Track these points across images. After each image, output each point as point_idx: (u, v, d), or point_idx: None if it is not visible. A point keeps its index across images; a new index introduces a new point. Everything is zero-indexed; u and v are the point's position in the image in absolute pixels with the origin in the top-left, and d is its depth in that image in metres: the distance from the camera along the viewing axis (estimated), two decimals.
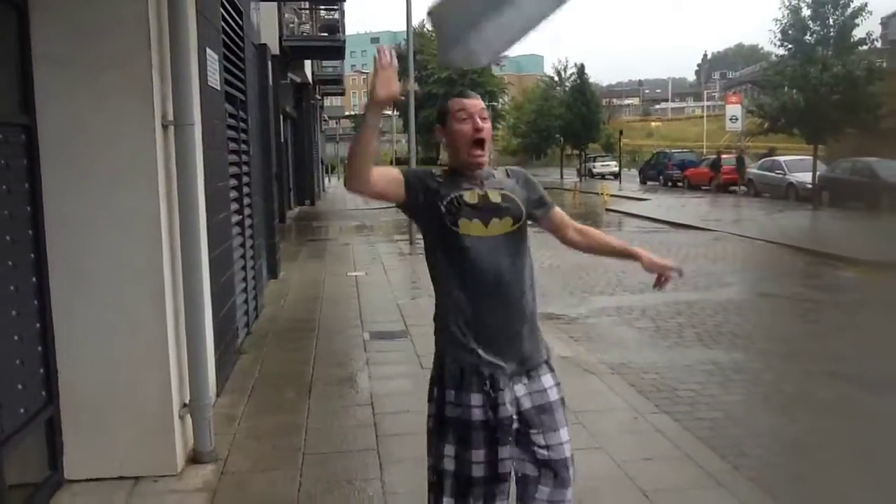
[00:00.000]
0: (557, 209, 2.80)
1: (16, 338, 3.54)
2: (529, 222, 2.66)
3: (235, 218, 6.83)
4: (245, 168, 7.56)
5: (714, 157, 31.17)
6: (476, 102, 2.61)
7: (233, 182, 6.74)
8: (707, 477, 4.11)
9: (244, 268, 7.28)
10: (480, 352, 2.50)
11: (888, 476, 4.41)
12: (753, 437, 5.04)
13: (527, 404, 2.54)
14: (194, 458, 4.31)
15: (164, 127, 4.08)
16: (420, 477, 4.17)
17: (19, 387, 3.54)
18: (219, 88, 5.98)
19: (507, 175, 2.69)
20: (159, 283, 3.99)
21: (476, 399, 2.49)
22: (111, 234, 3.92)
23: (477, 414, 2.49)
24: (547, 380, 2.60)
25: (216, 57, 5.85)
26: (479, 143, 2.56)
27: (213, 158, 5.48)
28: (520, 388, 2.54)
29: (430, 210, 2.54)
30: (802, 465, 4.61)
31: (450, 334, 2.56)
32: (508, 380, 2.52)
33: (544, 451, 2.53)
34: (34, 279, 3.77)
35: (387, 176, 2.56)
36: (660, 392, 5.91)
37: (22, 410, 3.56)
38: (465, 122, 2.57)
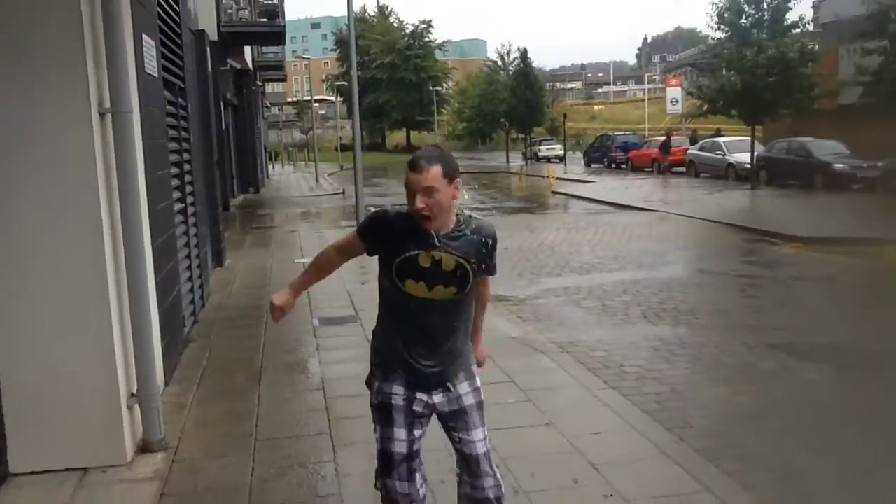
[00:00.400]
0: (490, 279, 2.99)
1: None
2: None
3: (178, 206, 6.72)
4: (186, 156, 7.43)
5: (664, 138, 31.59)
6: (419, 179, 2.63)
7: (174, 170, 6.62)
8: (654, 448, 4.23)
9: (188, 256, 7.18)
10: (408, 358, 2.80)
11: (827, 440, 4.60)
12: (698, 409, 5.19)
13: (444, 409, 2.84)
14: (144, 448, 4.27)
15: (101, 115, 3.99)
16: (371, 460, 4.21)
17: None
18: (156, 75, 5.87)
19: (475, 233, 2.78)
20: (102, 274, 3.92)
21: (398, 388, 2.81)
22: (49, 229, 3.84)
23: (398, 400, 2.81)
24: (463, 387, 2.85)
25: (153, 43, 5.73)
26: (425, 218, 2.67)
27: (152, 147, 5.38)
28: (438, 397, 2.83)
29: (386, 257, 2.79)
30: (746, 433, 4.76)
31: (385, 336, 2.89)
32: (427, 393, 2.82)
33: (459, 445, 2.86)
34: None
35: (349, 251, 2.98)
36: (607, 369, 6.03)
37: None
38: (412, 197, 2.66)
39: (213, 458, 4.21)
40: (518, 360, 5.91)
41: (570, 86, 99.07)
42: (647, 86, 70.88)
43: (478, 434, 2.84)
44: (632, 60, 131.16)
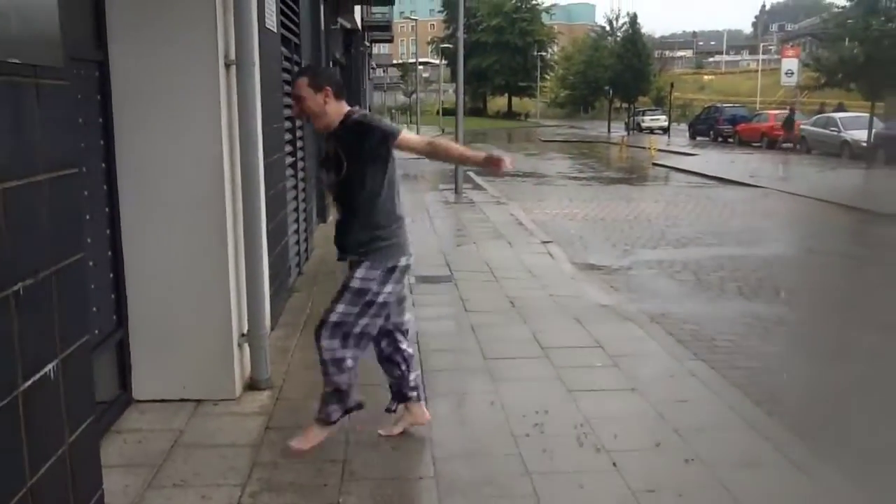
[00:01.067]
0: (404, 136, 3.52)
1: (90, 263, 3.79)
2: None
3: (289, 160, 7.02)
4: None
5: (787, 112, 30.05)
6: (292, 91, 3.59)
7: (287, 124, 6.91)
8: (740, 420, 4.24)
9: (296, 209, 7.50)
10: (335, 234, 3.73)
11: None
12: (791, 386, 5.14)
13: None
14: (251, 385, 4.57)
15: (227, 66, 4.23)
16: (461, 410, 4.40)
17: (94, 310, 3.80)
18: (275, 31, 6.12)
19: (350, 126, 3.52)
20: (221, 216, 4.20)
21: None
22: (178, 168, 4.13)
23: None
24: (359, 272, 3.56)
25: None
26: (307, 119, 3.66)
27: (269, 100, 5.64)
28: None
29: None
30: (840, 412, 4.70)
31: None
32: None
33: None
34: (106, 209, 4.01)
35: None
36: (698, 341, 6.02)
37: (96, 332, 3.82)
38: None
39: (314, 399, 4.44)
40: (607, 327, 5.97)
41: (679, 54, 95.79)
42: (761, 56, 67.83)
43: (338, 307, 3.56)
44: (747, 29, 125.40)
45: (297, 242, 7.60)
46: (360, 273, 3.56)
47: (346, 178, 3.50)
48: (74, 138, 2.60)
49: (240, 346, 4.48)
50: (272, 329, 5.65)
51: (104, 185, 3.98)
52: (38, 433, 1.97)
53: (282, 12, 6.60)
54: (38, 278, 2.01)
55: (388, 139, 3.46)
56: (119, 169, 4.06)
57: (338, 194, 3.61)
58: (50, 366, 2.04)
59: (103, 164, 3.98)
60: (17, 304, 1.88)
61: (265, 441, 3.89)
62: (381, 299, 3.60)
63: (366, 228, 3.55)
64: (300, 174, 7.84)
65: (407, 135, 3.56)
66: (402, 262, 3.63)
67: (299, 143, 7.73)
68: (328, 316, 3.57)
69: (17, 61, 1.92)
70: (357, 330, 3.61)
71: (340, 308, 3.56)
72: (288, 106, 6.94)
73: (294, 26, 7.47)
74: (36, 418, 1.96)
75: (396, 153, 3.56)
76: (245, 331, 4.55)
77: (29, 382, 1.92)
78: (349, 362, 3.65)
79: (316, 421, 3.80)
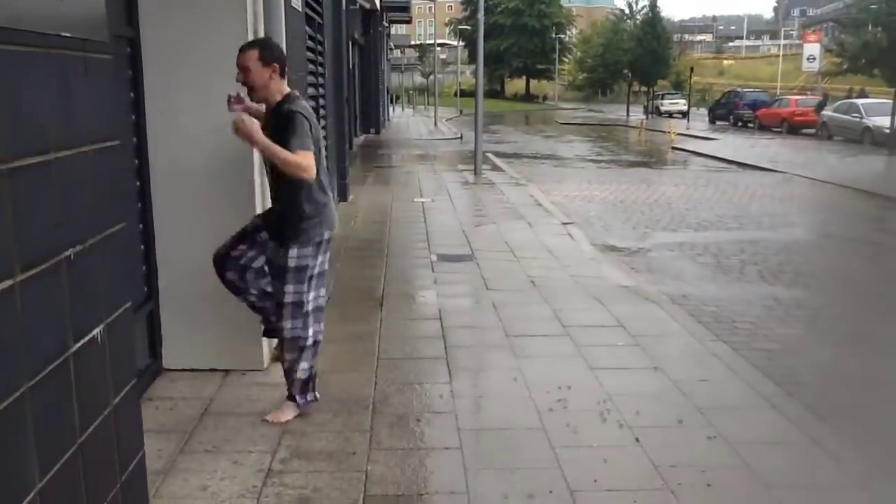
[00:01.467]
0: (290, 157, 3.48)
1: None
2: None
3: None
4: (321, 90, 7.76)
5: (820, 99, 29.55)
6: (238, 60, 3.57)
7: (310, 103, 6.94)
8: (761, 399, 4.27)
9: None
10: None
11: None
12: (810, 368, 5.16)
13: (270, 256, 3.74)
14: (278, 357, 4.62)
15: None
16: (486, 385, 4.46)
17: None
18: (300, 10, 6.16)
19: (284, 111, 3.55)
20: (250, 189, 4.26)
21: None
22: (206, 141, 4.19)
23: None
24: (292, 252, 3.65)
25: None
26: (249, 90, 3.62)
27: (293, 78, 5.67)
28: (270, 245, 3.73)
29: None
30: (859, 394, 4.72)
31: None
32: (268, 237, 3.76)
33: (272, 291, 3.83)
34: (137, 182, 4.07)
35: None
36: (719, 323, 6.04)
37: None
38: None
39: (339, 372, 4.54)
40: (628, 307, 6.00)
41: (699, 38, 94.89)
42: (782, 41, 67.09)
43: (284, 288, 3.66)
44: (768, 14, 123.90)
45: None
46: (292, 253, 3.66)
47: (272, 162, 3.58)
48: (115, 111, 2.65)
49: None
50: None
51: (135, 159, 4.05)
52: (86, 394, 2.02)
53: None
54: (86, 245, 2.06)
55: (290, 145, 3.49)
56: (150, 142, 4.12)
57: (270, 178, 3.76)
58: (98, 329, 2.10)
59: (134, 139, 4.04)
60: (69, 269, 1.93)
61: None
62: (317, 270, 3.79)
63: (291, 217, 3.65)
64: (322, 152, 7.86)
65: (293, 157, 3.45)
66: (326, 235, 3.77)
67: (322, 122, 7.76)
68: (286, 298, 3.71)
69: (67, 34, 1.96)
70: (309, 307, 3.79)
71: (290, 289, 3.68)
72: (311, 84, 7.00)
73: (317, 5, 7.49)
74: (84, 380, 2.01)
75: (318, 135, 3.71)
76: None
77: (79, 345, 1.98)
78: (311, 339, 3.84)
79: (289, 399, 3.89)
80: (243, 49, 3.57)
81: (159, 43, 4.08)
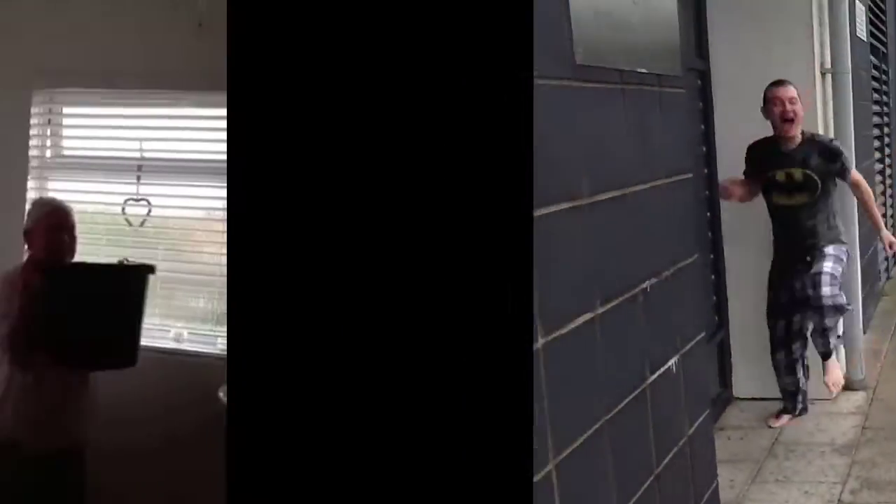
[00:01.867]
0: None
1: None
2: None
3: (877, 167, 5.73)
4: (886, 119, 6.30)
5: None
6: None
7: (875, 132, 5.67)
8: None
9: (883, 215, 6.03)
10: None
11: None
12: None
13: None
14: (846, 386, 3.76)
15: (822, 74, 3.61)
16: None
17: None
18: (865, 39, 5.05)
19: None
20: None
21: None
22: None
23: None
24: None
25: (863, 8, 4.94)
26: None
27: (859, 108, 4.62)
28: None
29: None
30: None
31: None
32: None
33: None
34: (707, 212, 3.64)
35: None
36: None
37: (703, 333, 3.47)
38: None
39: None
40: None
41: None
42: None
43: None
44: None
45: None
46: None
47: None
48: (688, 145, 2.29)
49: (835, 347, 3.64)
50: (864, 331, 4.59)
51: (706, 190, 3.62)
52: (661, 424, 1.69)
53: (870, 21, 5.39)
54: (661, 277, 1.72)
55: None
56: (719, 174, 3.65)
57: None
58: (673, 360, 1.74)
59: (705, 170, 3.61)
60: (645, 301, 1.62)
61: (862, 440, 3.22)
62: None
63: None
64: (888, 181, 6.34)
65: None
66: None
67: (887, 151, 6.26)
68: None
69: (644, 70, 1.65)
70: None
71: None
72: (876, 113, 5.69)
73: (881, 34, 6.08)
74: (660, 410, 1.68)
75: None
76: (840, 333, 3.69)
77: (655, 375, 1.65)
78: None
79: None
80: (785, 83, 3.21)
81: (728, 75, 3.61)
